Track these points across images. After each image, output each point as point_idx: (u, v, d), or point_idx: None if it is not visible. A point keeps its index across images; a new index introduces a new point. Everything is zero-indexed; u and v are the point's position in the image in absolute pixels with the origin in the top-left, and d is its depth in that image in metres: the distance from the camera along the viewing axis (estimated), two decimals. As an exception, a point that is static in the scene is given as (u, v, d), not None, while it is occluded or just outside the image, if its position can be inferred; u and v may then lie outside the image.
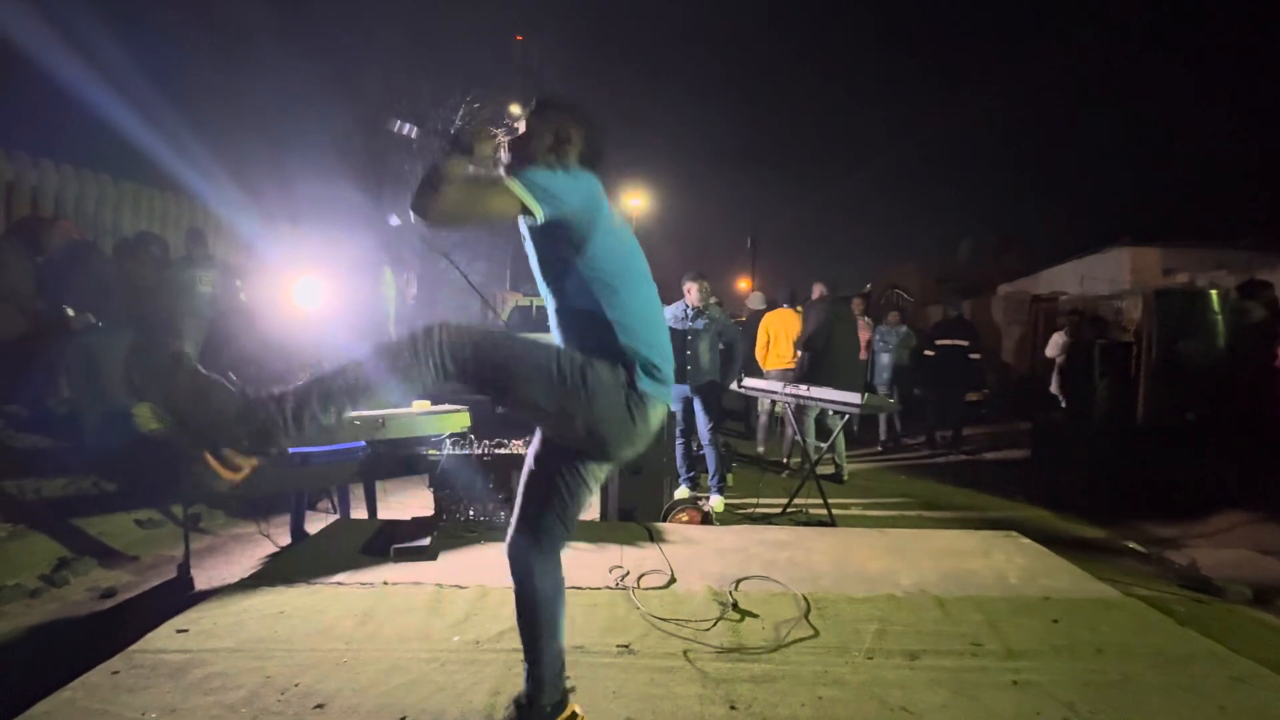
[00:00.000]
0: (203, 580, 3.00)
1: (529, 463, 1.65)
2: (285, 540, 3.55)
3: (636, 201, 25.49)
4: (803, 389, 4.24)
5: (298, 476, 3.40)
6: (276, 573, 2.66)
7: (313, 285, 4.23)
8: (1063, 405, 6.88)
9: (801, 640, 2.18)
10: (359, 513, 3.82)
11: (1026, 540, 3.30)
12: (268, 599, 2.39)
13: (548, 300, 1.58)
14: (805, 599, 2.49)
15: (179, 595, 2.76)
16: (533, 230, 1.52)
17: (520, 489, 1.64)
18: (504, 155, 1.59)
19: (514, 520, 1.61)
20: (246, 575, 2.71)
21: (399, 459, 3.68)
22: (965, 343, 7.09)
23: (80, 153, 6.53)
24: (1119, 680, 1.98)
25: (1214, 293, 5.12)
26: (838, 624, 2.31)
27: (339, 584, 2.54)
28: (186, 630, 2.13)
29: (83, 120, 6.30)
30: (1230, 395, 4.81)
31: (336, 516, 3.81)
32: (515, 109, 16.00)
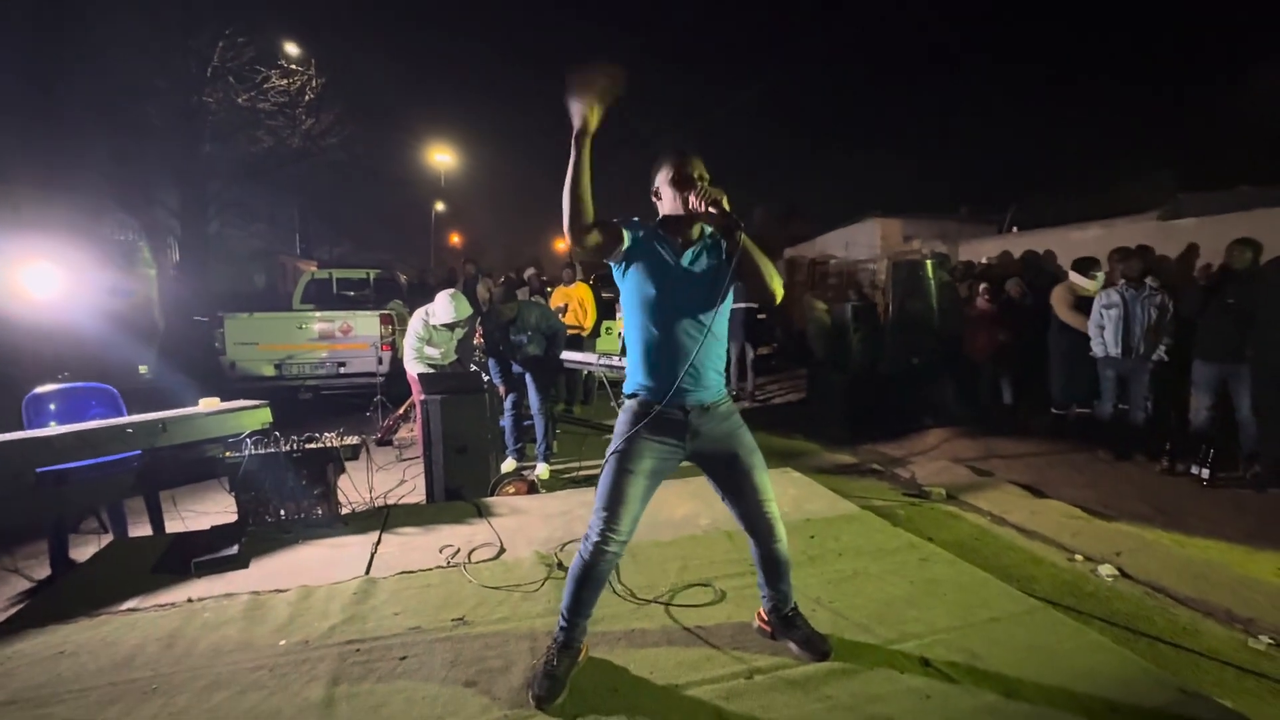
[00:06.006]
0: (-68, 635, 2.52)
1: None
2: (44, 574, 3.08)
3: (444, 158, 24.21)
4: (615, 359, 4.60)
5: (55, 498, 2.96)
6: (44, 610, 2.35)
7: (46, 272, 3.51)
8: (816, 356, 8.15)
9: (617, 584, 2.52)
10: (137, 530, 3.40)
11: (798, 474, 4.03)
12: (39, 640, 2.13)
13: (715, 332, 1.84)
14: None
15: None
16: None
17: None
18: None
19: None
20: (1, 619, 2.36)
21: (187, 464, 3.35)
22: (755, 304, 8.06)
23: None
24: (851, 574, 2.62)
25: (929, 262, 6.47)
26: (648, 566, 2.69)
27: (131, 610, 2.33)
28: (-69, 694, 1.85)
29: None
30: (939, 342, 6.19)
31: (108, 538, 3.36)
32: (290, 47, 13.96)
